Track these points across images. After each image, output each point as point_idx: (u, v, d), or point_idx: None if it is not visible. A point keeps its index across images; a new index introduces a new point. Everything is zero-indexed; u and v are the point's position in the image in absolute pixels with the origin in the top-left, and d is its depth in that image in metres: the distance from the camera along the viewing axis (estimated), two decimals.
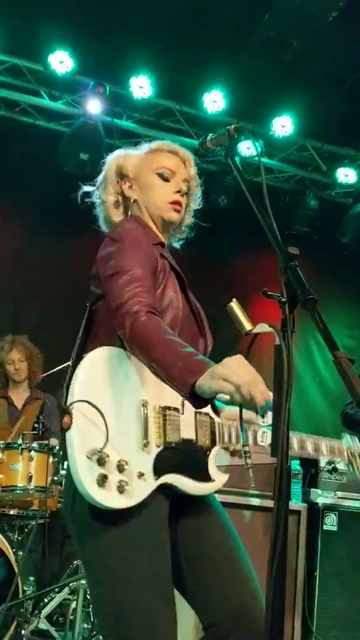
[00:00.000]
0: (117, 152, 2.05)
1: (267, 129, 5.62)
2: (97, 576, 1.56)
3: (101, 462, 1.50)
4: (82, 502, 1.53)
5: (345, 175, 5.94)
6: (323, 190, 6.19)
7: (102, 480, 1.50)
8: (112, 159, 2.03)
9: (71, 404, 1.53)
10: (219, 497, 2.02)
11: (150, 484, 1.60)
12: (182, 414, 1.70)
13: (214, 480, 1.76)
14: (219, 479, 1.78)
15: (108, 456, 1.52)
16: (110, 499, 1.51)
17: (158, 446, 1.63)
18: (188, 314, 1.86)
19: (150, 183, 1.97)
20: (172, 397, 1.66)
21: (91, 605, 1.57)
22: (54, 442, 3.66)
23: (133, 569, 1.52)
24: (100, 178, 2.03)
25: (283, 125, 5.57)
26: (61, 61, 5.03)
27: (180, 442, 1.67)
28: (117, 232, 1.87)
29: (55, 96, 5.38)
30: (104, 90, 5.08)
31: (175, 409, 1.69)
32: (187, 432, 1.70)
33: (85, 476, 1.49)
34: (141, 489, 1.57)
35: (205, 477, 1.74)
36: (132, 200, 1.98)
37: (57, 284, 5.51)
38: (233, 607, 1.63)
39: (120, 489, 1.52)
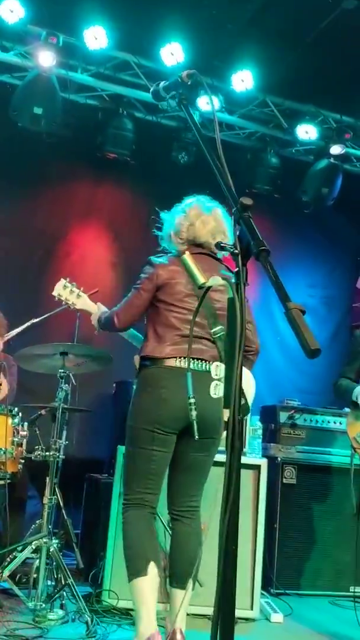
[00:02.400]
0: None
1: (227, 84, 5.50)
2: None
3: None
4: None
5: (305, 132, 5.87)
6: (284, 147, 6.13)
7: None
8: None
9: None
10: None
11: None
12: None
13: None
14: None
15: None
16: None
17: None
18: None
19: None
20: None
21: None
22: None
23: None
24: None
25: (243, 80, 5.45)
26: (12, 10, 4.78)
27: None
28: None
29: (6, 47, 5.14)
30: (57, 41, 4.86)
31: None
32: None
33: None
34: None
35: None
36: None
37: (8, 244, 5.37)
38: None
39: None
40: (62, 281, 3.18)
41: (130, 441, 2.78)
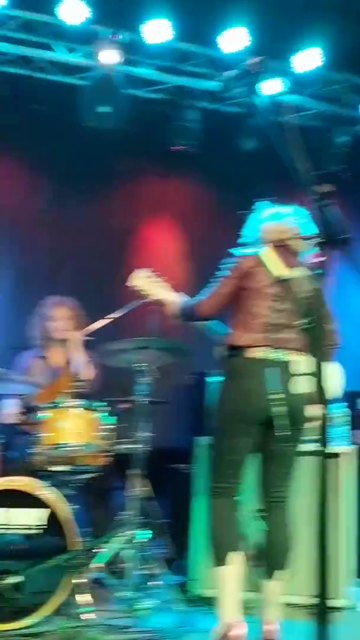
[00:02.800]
0: None
1: (292, 65, 5.39)
2: None
3: None
4: None
5: None
6: (353, 125, 5.95)
7: None
8: None
9: None
10: None
11: None
12: None
13: None
14: None
15: None
16: None
17: None
18: None
19: None
20: None
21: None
22: None
23: None
24: None
25: (308, 60, 5.33)
26: (74, 11, 4.86)
27: None
28: None
29: (70, 49, 5.23)
30: (119, 38, 4.91)
31: None
32: None
33: None
34: None
35: None
36: None
37: (82, 243, 5.48)
38: None
39: None
40: (140, 271, 3.16)
41: (214, 431, 2.83)
